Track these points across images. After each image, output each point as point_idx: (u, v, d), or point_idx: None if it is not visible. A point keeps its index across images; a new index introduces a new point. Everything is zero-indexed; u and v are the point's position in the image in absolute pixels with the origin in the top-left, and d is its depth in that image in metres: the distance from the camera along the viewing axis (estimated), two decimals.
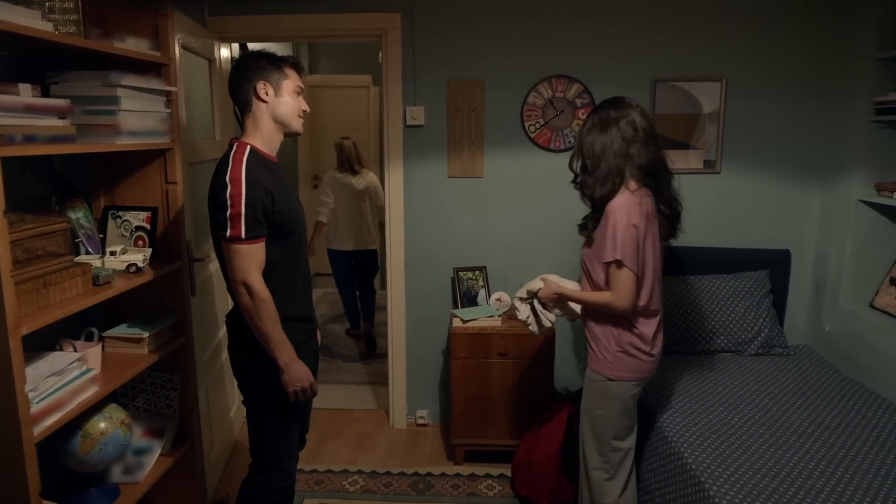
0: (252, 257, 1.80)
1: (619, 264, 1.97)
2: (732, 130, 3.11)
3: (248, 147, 1.86)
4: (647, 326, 2.08)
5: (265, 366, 1.90)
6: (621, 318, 2.07)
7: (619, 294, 1.99)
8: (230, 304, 2.08)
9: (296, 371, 1.88)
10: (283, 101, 1.92)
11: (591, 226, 2.10)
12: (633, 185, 2.02)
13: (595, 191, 2.05)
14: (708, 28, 3.03)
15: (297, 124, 1.98)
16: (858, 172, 2.83)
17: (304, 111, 2.00)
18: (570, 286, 2.28)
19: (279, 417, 2.00)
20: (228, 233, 1.77)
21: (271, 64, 1.91)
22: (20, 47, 1.80)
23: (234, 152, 1.84)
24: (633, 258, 1.96)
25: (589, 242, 2.12)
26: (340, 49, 6.34)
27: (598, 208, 2.06)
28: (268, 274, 1.85)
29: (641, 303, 2.04)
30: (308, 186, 6.39)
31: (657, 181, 2.05)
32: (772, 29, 3.01)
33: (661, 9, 3.02)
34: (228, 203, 1.76)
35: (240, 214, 1.76)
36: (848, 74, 2.92)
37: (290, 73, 1.94)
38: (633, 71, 3.07)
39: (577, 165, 2.14)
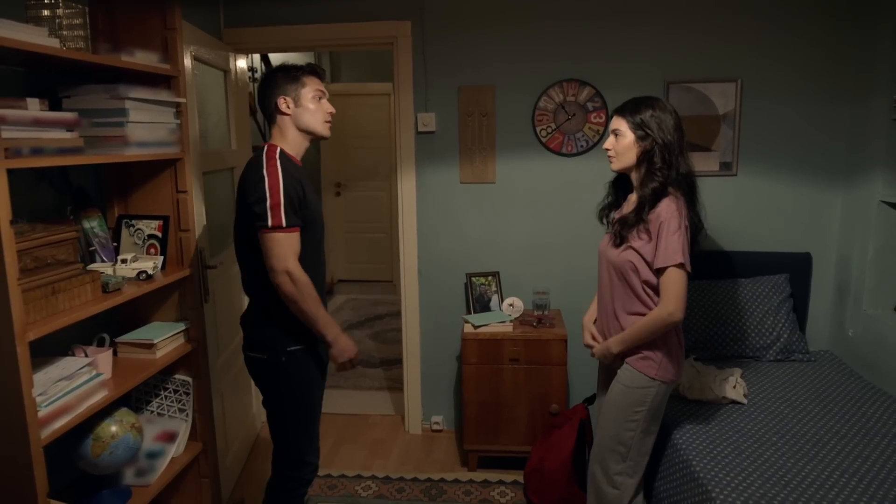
0: (291, 245, 1.89)
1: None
2: (749, 132, 3.05)
3: (279, 148, 1.98)
4: None
5: (284, 364, 1.99)
6: None
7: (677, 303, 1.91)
8: (244, 306, 2.14)
9: (344, 344, 1.99)
10: (305, 109, 2.02)
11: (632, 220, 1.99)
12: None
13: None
14: (721, 28, 2.98)
15: (322, 129, 2.07)
16: (879, 173, 2.75)
17: (331, 114, 2.08)
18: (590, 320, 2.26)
19: (301, 412, 2.07)
20: (270, 222, 1.85)
21: (286, 77, 2.01)
22: (32, 63, 1.86)
23: (267, 152, 1.95)
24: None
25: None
26: (362, 57, 6.41)
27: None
28: None
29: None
30: (331, 194, 6.48)
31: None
32: (787, 28, 2.95)
33: (672, 9, 2.99)
34: (267, 194, 1.85)
35: (279, 204, 1.85)
36: (867, 73, 2.84)
37: (308, 80, 2.02)
38: (645, 73, 3.04)
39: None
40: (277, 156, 1.93)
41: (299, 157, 2.06)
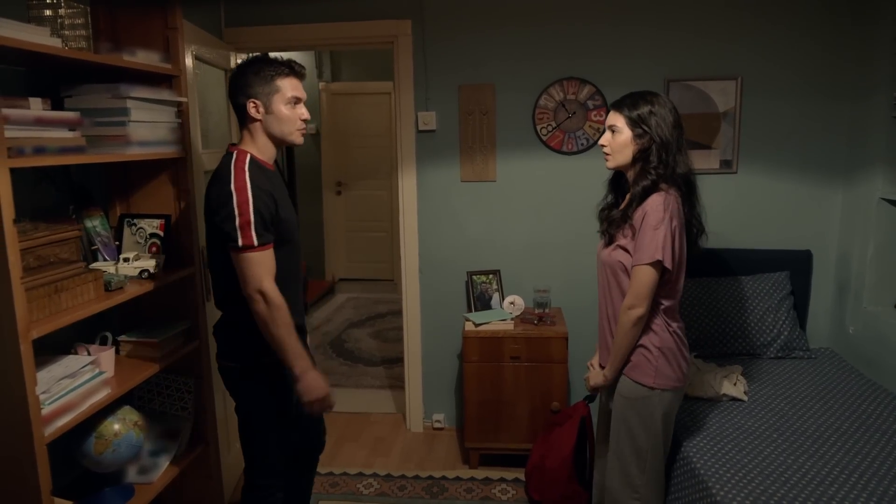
0: (265, 264, 1.78)
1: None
2: (749, 129, 3.05)
3: (248, 155, 1.85)
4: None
5: (255, 373, 1.94)
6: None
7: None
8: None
9: (312, 381, 1.85)
10: (276, 117, 1.87)
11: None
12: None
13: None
14: (722, 26, 2.99)
15: (294, 137, 1.92)
16: (880, 170, 2.75)
17: (305, 119, 1.94)
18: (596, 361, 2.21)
19: (272, 422, 2.02)
20: (241, 242, 1.74)
21: (258, 78, 1.84)
22: (35, 63, 1.87)
23: (235, 160, 1.82)
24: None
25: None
26: (362, 56, 6.42)
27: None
28: None
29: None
30: (332, 192, 6.49)
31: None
32: (787, 25, 2.96)
33: (672, 7, 2.99)
34: (237, 212, 1.74)
35: (249, 223, 1.74)
36: (867, 70, 2.84)
37: (284, 83, 1.86)
38: (645, 71, 3.04)
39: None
40: (247, 166, 1.80)
41: (271, 160, 1.94)
